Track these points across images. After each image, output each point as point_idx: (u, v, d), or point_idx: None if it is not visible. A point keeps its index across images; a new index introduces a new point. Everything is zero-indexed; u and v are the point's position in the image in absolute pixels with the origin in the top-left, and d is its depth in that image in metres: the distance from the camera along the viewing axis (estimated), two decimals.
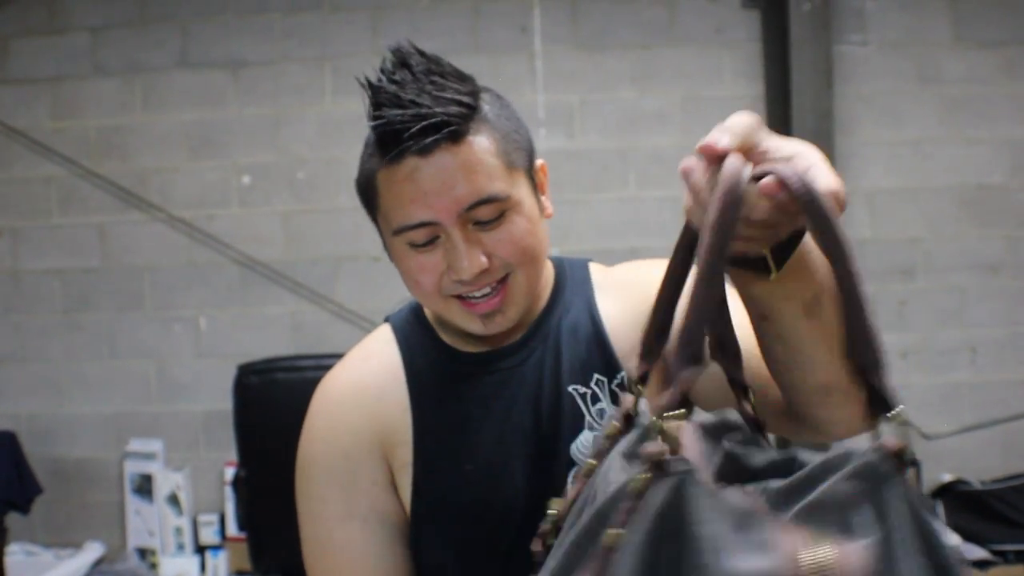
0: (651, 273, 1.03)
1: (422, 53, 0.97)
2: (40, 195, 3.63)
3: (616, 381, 1.06)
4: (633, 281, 1.10)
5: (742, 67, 3.55)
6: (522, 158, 1.02)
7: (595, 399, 1.05)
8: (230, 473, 3.46)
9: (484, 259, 0.97)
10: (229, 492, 3.45)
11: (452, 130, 0.95)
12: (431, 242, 0.98)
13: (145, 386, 3.66)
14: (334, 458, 1.05)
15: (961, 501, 3.51)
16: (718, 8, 3.54)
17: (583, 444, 1.04)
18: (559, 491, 0.96)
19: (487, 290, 1.00)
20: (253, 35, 3.56)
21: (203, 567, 3.56)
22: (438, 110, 0.94)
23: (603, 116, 3.53)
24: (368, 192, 1.02)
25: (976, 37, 3.56)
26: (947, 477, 3.60)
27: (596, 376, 1.06)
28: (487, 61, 3.51)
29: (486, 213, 0.97)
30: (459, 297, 1.00)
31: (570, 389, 1.05)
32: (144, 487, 3.61)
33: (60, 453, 3.70)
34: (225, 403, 3.20)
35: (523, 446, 1.04)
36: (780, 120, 3.48)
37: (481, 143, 0.97)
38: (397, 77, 0.95)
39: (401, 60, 0.96)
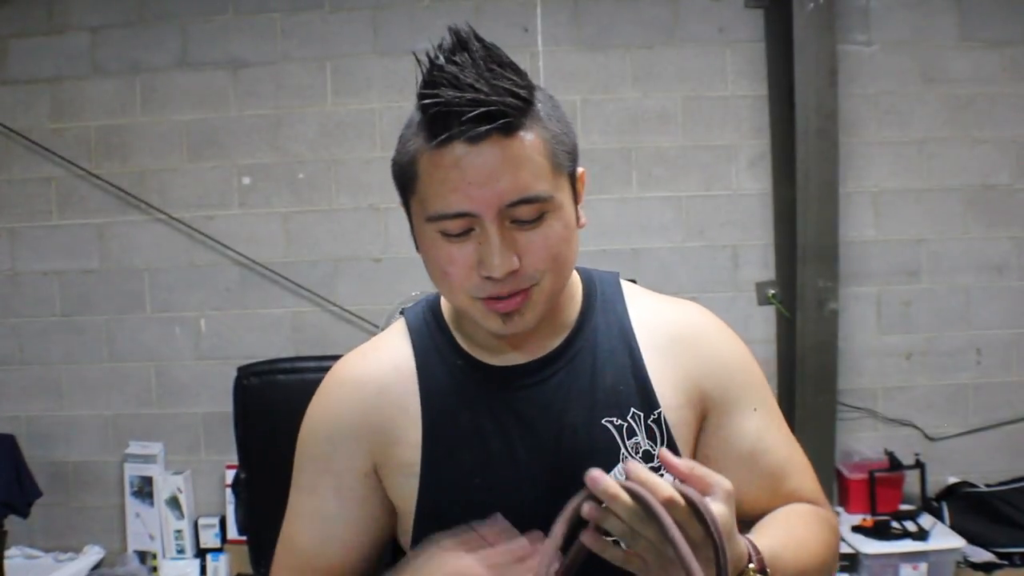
0: (703, 325, 1.13)
1: (480, 39, 0.95)
2: (39, 196, 3.61)
3: (652, 417, 1.05)
4: (680, 333, 1.10)
5: (745, 67, 3.53)
6: (568, 162, 0.99)
7: (631, 432, 1.04)
8: (231, 475, 3.44)
9: (516, 260, 0.94)
10: (229, 495, 3.43)
11: (507, 121, 0.91)
12: (465, 233, 0.95)
13: (145, 388, 3.65)
14: (316, 439, 1.07)
15: (966, 503, 3.49)
16: (721, 7, 3.52)
17: (617, 477, 0.98)
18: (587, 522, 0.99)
19: (506, 291, 0.97)
20: (253, 35, 3.54)
21: (203, 570, 3.53)
22: (495, 98, 0.90)
23: (605, 116, 3.51)
24: (407, 173, 0.98)
25: (981, 36, 3.54)
26: (952, 479, 3.58)
27: (633, 410, 1.05)
28: None
29: (526, 212, 0.94)
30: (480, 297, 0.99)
31: (604, 422, 1.04)
32: (144, 490, 3.59)
33: (59, 456, 3.68)
34: (225, 405, 3.14)
35: (540, 468, 1.02)
36: (784, 120, 3.46)
37: (532, 140, 0.93)
38: (457, 58, 0.92)
39: (461, 42, 0.94)
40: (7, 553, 3.41)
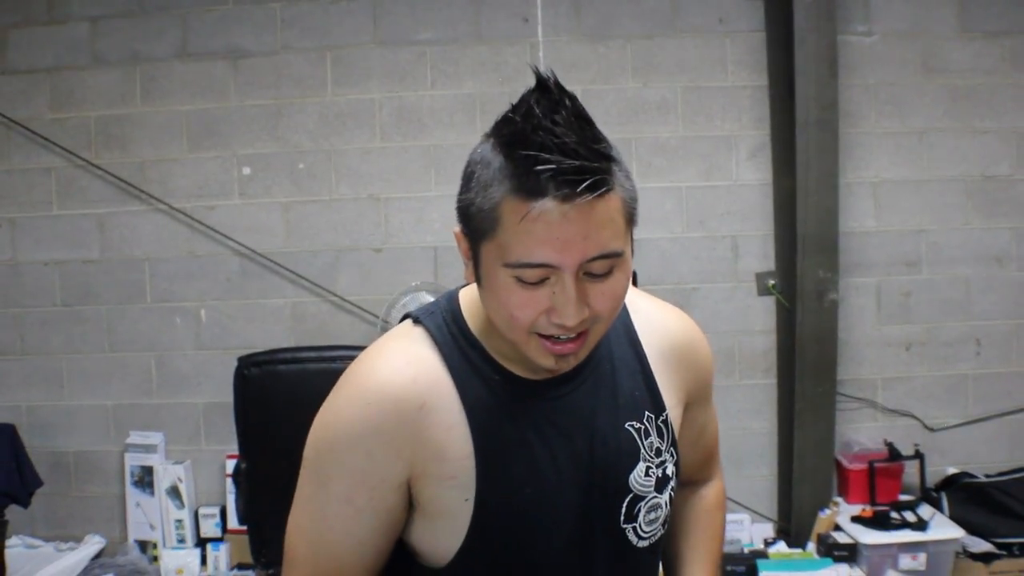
0: (694, 335, 1.25)
1: (562, 88, 0.96)
2: (40, 186, 3.61)
3: (661, 418, 1.16)
4: (678, 341, 1.22)
5: (745, 57, 3.53)
6: (635, 215, 1.04)
7: (647, 434, 1.14)
8: (231, 465, 3.45)
9: (587, 310, 0.99)
10: (230, 484, 3.43)
11: (602, 184, 0.94)
12: (540, 281, 0.97)
13: (145, 378, 3.65)
14: (354, 453, 1.05)
15: (966, 494, 3.50)
16: None
17: (639, 475, 1.13)
18: (616, 517, 1.12)
19: (572, 335, 1.01)
20: (254, 25, 3.54)
21: (204, 560, 3.54)
22: (595, 165, 0.93)
23: (605, 106, 3.50)
24: (487, 218, 0.98)
25: (981, 27, 3.53)
26: (952, 469, 3.59)
27: (647, 413, 1.15)
28: (489, 51, 3.49)
29: (600, 267, 0.98)
30: (541, 334, 1.02)
31: (627, 425, 1.13)
32: (145, 479, 3.60)
33: (60, 446, 3.69)
34: (226, 395, 3.16)
35: (577, 473, 1.10)
36: (784, 111, 3.46)
37: (615, 200, 0.97)
38: (558, 118, 0.94)
39: (554, 99, 0.95)
40: (8, 543, 3.42)
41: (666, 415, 1.17)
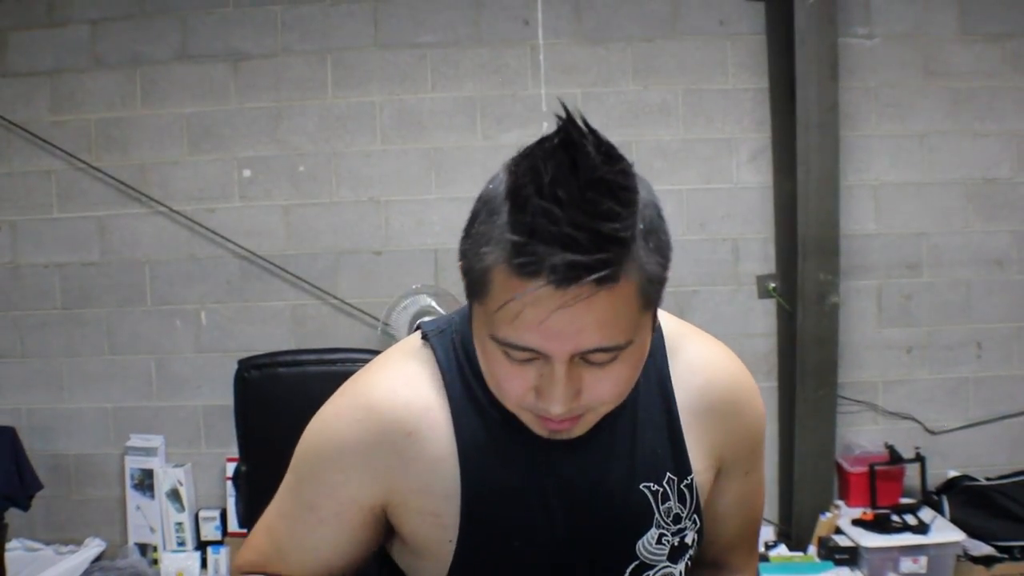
0: (741, 394, 1.09)
1: (586, 136, 0.84)
2: (39, 189, 3.60)
3: (685, 482, 1.03)
4: (719, 400, 1.06)
5: (746, 60, 3.53)
6: (659, 294, 0.89)
7: (665, 498, 1.02)
8: (231, 468, 3.44)
9: (578, 397, 0.89)
10: (230, 487, 3.43)
11: (601, 276, 0.81)
12: (528, 360, 0.88)
13: (145, 381, 3.65)
14: (331, 465, 1.01)
15: (967, 497, 3.49)
16: (722, 0, 3.51)
17: (649, 542, 1.02)
18: None
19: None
20: (254, 27, 3.54)
21: (204, 563, 3.54)
22: (591, 259, 0.80)
23: (606, 109, 3.50)
24: (477, 280, 0.88)
25: (982, 30, 3.53)
26: (953, 472, 3.58)
27: (668, 475, 1.02)
28: (489, 54, 3.49)
29: (599, 358, 0.87)
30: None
31: (642, 487, 1.01)
32: (145, 483, 3.59)
33: (60, 449, 3.69)
34: (226, 398, 3.17)
35: (575, 531, 1.00)
36: (785, 113, 3.45)
37: (624, 291, 0.83)
38: (565, 192, 0.80)
39: (570, 158, 0.82)
40: (8, 546, 3.41)
41: (691, 479, 1.03)
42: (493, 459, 0.98)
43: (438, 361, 1.01)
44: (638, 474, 1.01)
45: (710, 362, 1.05)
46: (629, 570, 1.02)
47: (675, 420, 1.03)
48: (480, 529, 0.98)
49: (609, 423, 0.99)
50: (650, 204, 0.89)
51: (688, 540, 1.03)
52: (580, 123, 0.85)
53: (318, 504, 1.02)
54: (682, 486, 1.03)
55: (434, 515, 0.99)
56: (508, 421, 0.98)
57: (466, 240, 0.90)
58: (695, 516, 1.04)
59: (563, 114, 0.85)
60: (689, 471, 1.03)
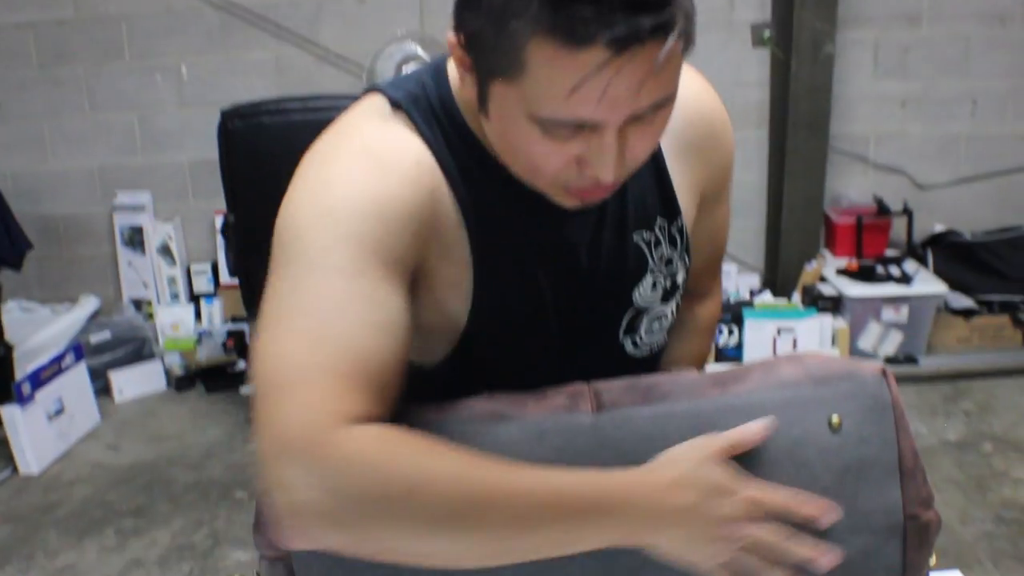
0: (718, 123, 1.03)
1: None
2: None
3: (675, 225, 1.01)
4: (700, 136, 1.01)
5: None
6: (694, 31, 0.79)
7: (657, 244, 1.00)
8: (220, 222, 3.44)
9: (622, 162, 0.81)
10: (220, 241, 3.44)
11: (667, 27, 0.72)
12: (574, 134, 0.79)
13: (129, 138, 3.60)
14: (365, 219, 0.82)
15: (951, 251, 3.54)
16: None
17: (644, 289, 1.01)
18: (614, 331, 1.01)
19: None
20: None
21: (198, 315, 3.60)
22: (650, 13, 0.71)
23: None
24: (504, 56, 0.76)
25: None
26: (939, 227, 3.61)
27: (659, 220, 1.00)
28: None
29: (649, 115, 0.80)
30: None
31: (635, 237, 0.99)
32: (135, 239, 3.60)
33: (48, 210, 3.68)
34: (212, 152, 3.11)
35: (577, 289, 0.97)
36: None
37: (676, 35, 0.74)
38: None
39: None
40: (4, 307, 3.45)
41: (680, 221, 1.01)
42: (497, 224, 0.92)
43: (419, 131, 0.89)
44: (630, 225, 0.98)
45: (687, 98, 0.93)
46: (626, 317, 1.01)
47: (662, 164, 0.99)
48: (491, 295, 0.93)
49: None
50: None
51: (679, 280, 1.03)
52: None
53: (365, 268, 0.80)
54: (672, 230, 1.01)
55: (456, 284, 0.92)
56: (509, 187, 0.91)
57: (470, 13, 0.78)
58: (685, 256, 1.03)
59: None
60: (678, 213, 1.01)
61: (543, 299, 0.96)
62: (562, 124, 0.77)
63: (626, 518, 0.77)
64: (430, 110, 0.90)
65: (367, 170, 0.84)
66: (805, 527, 0.79)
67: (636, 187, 0.97)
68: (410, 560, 0.75)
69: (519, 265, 0.94)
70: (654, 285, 1.01)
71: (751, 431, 0.81)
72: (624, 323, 1.01)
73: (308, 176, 0.86)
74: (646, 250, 0.99)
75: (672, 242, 1.01)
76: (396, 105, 0.89)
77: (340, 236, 0.80)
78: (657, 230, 1.00)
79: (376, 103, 0.91)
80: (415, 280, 0.87)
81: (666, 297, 1.02)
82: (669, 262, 1.01)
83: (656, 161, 0.98)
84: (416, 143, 0.88)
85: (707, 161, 1.03)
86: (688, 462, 0.80)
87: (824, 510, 0.79)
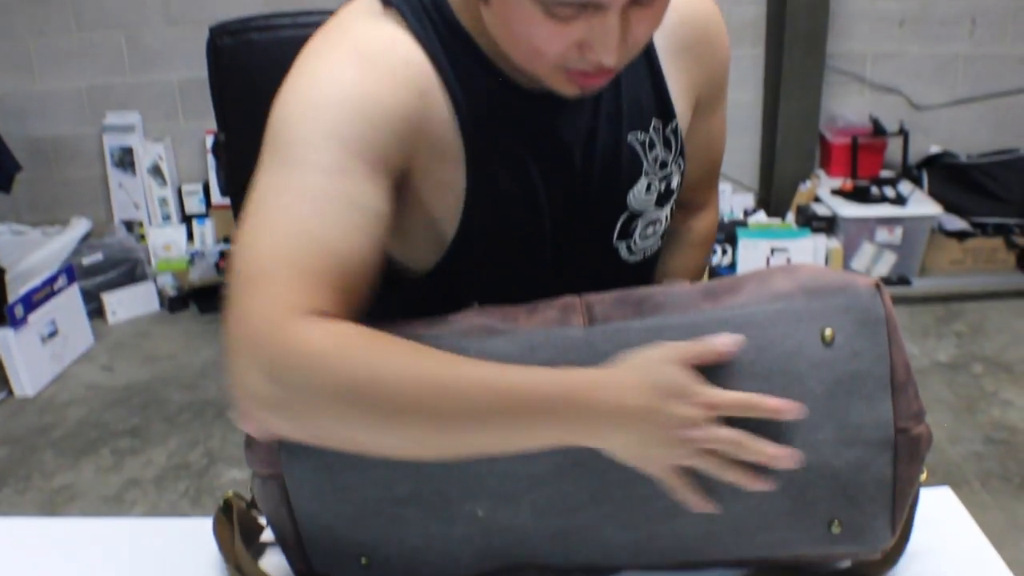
0: (713, 25, 1.02)
1: None
2: None
3: (670, 127, 1.00)
4: (694, 37, 1.00)
5: None
6: None
7: (651, 145, 0.99)
8: (211, 141, 3.41)
9: (625, 45, 0.80)
10: (211, 161, 3.42)
11: None
12: (575, 15, 0.78)
13: (117, 57, 3.54)
14: (352, 117, 0.82)
15: (946, 173, 3.52)
16: None
17: (639, 191, 1.00)
18: (608, 235, 1.00)
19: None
20: None
21: (190, 236, 3.59)
22: None
23: None
24: None
25: None
26: (935, 148, 3.59)
27: (654, 121, 0.99)
28: None
29: None
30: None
31: (630, 138, 0.98)
32: (125, 160, 3.57)
33: (37, 132, 3.64)
34: (201, 70, 3.05)
35: (570, 190, 0.96)
36: None
37: None
38: None
39: None
40: None
41: (675, 123, 1.01)
42: (490, 123, 0.91)
43: (411, 28, 0.88)
44: (625, 126, 0.97)
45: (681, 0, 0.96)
46: (620, 221, 1.01)
47: (656, 65, 0.98)
48: (483, 193, 0.92)
49: None
50: None
51: (673, 185, 1.03)
52: None
53: (348, 166, 0.80)
54: (667, 132, 1.00)
55: (449, 184, 0.91)
56: (503, 86, 0.91)
57: None
58: (680, 160, 1.02)
59: None
60: (673, 115, 1.00)
61: (537, 200, 0.95)
62: (565, 3, 0.76)
63: (580, 416, 0.76)
64: (421, 7, 0.89)
65: (356, 69, 0.84)
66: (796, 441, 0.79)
67: (631, 85, 0.97)
68: (359, 450, 0.77)
69: (513, 164, 0.93)
70: (648, 187, 1.00)
71: (717, 342, 0.80)
72: (618, 227, 1.01)
73: (299, 73, 0.86)
74: (640, 151, 0.99)
75: (667, 144, 1.01)
76: (387, 3, 0.89)
77: (325, 133, 0.81)
78: (652, 131, 0.99)
79: (367, 1, 0.91)
80: (403, 182, 0.87)
81: (660, 201, 1.02)
82: (664, 165, 1.01)
83: (651, 60, 0.98)
84: (407, 41, 0.87)
85: (702, 64, 1.02)
86: (648, 364, 0.78)
87: (787, 406, 0.77)
